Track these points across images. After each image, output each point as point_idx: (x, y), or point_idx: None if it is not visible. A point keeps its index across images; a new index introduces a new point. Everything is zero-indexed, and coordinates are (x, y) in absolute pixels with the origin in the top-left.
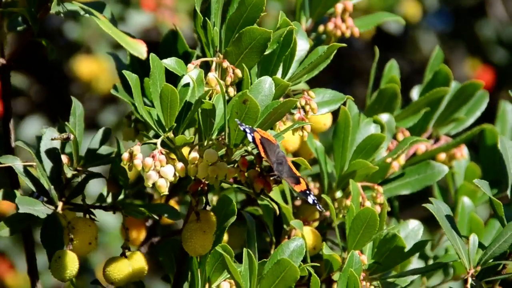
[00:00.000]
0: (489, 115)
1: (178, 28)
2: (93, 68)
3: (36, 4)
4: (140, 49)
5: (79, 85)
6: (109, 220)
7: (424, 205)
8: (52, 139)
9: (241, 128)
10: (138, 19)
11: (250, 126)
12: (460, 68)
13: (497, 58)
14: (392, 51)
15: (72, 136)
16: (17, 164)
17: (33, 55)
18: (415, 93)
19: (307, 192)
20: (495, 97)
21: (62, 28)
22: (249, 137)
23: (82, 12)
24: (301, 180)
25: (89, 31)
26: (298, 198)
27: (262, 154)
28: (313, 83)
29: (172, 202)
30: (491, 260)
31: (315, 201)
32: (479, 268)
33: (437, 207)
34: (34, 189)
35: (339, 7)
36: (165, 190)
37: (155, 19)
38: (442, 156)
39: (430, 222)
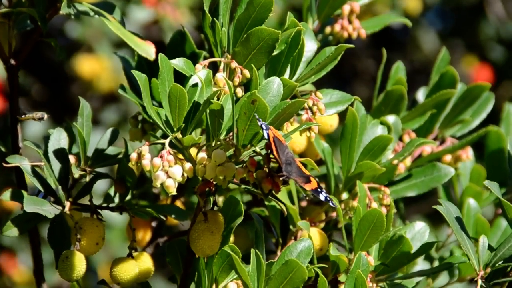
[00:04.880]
0: (490, 114)
1: (185, 29)
2: (94, 67)
3: (45, 4)
4: (148, 50)
5: (80, 84)
6: (113, 216)
7: (434, 206)
8: (21, 118)
9: (259, 124)
10: (139, 14)
11: (266, 123)
12: (459, 66)
13: (495, 56)
14: (392, 50)
15: (45, 116)
16: (25, 164)
17: (34, 54)
18: (420, 95)
19: (319, 189)
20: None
21: (64, 27)
22: (265, 134)
23: (91, 13)
24: (311, 178)
25: (90, 30)
26: (305, 199)
27: (274, 153)
28: (315, 83)
29: (178, 203)
30: (500, 262)
31: (328, 198)
32: (488, 270)
33: (447, 208)
34: (41, 189)
35: (346, 8)
36: (173, 191)
37: (156, 14)
38: (448, 157)
39: (434, 217)
